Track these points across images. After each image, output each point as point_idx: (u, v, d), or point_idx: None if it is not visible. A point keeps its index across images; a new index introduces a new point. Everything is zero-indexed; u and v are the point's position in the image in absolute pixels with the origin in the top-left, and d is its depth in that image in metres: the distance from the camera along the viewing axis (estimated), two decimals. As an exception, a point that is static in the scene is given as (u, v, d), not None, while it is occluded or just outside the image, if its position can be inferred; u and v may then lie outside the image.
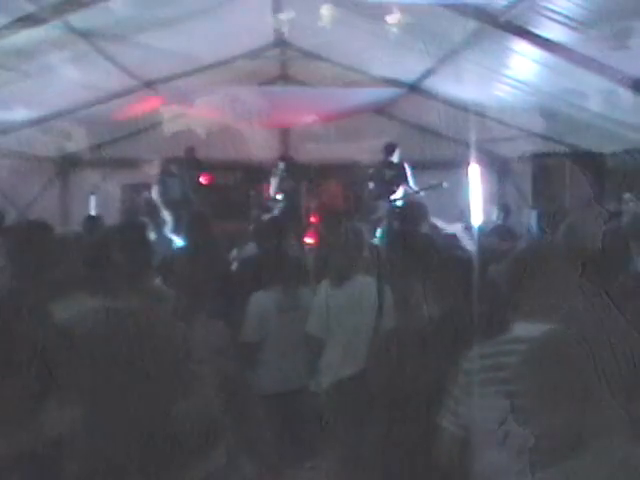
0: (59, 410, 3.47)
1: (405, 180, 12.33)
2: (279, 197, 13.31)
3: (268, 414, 5.48)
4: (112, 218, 11.56)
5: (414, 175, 12.47)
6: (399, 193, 12.20)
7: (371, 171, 12.86)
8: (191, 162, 13.59)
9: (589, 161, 9.66)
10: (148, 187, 13.30)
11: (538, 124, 11.10)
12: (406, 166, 12.40)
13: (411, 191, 12.16)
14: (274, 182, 13.38)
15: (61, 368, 3.42)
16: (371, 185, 12.67)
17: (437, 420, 3.47)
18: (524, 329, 3.24)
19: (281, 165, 13.44)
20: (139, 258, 4.04)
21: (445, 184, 11.54)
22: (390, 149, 12.48)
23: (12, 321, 3.39)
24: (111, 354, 3.46)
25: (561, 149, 11.02)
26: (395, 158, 12.44)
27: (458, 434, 3.39)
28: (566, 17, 6.97)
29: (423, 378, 4.11)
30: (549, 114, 10.13)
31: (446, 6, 7.82)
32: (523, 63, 8.73)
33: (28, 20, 7.53)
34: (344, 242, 6.01)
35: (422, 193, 11.87)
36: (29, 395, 3.40)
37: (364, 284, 5.75)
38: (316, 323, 5.66)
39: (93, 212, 13.27)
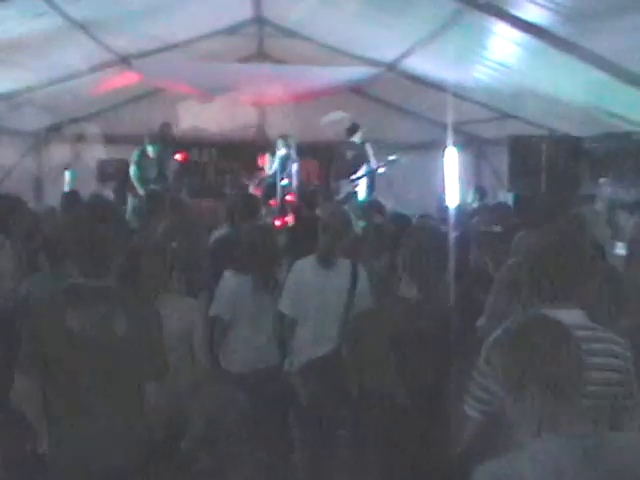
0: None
1: (367, 159, 12.43)
2: (256, 174, 13.33)
3: (239, 392, 5.48)
4: (87, 194, 11.48)
5: (377, 155, 12.54)
6: (360, 172, 12.33)
7: (334, 151, 12.97)
8: (167, 138, 13.48)
9: (566, 144, 9.68)
10: (124, 163, 13.22)
11: (516, 106, 11.13)
12: (368, 146, 12.47)
13: (371, 169, 12.28)
14: (253, 159, 13.32)
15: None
16: (335, 165, 12.81)
17: (460, 407, 3.44)
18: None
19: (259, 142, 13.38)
20: (113, 236, 4.01)
21: (403, 159, 11.65)
22: (352, 129, 12.55)
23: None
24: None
25: (538, 132, 11.05)
26: (357, 138, 12.51)
27: (482, 420, 3.37)
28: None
29: (404, 361, 4.13)
30: (527, 96, 10.14)
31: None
32: (502, 45, 8.71)
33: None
34: (327, 222, 6.00)
35: (381, 170, 12.01)
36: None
37: (339, 265, 5.75)
38: (288, 302, 5.66)
39: (67, 188, 13.16)
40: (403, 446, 4.15)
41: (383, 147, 12.98)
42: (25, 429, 3.83)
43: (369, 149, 12.53)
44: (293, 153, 12.66)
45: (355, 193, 12.08)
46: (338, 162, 12.81)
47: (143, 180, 12.30)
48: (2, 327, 4.56)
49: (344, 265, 5.73)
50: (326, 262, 5.73)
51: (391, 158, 12.15)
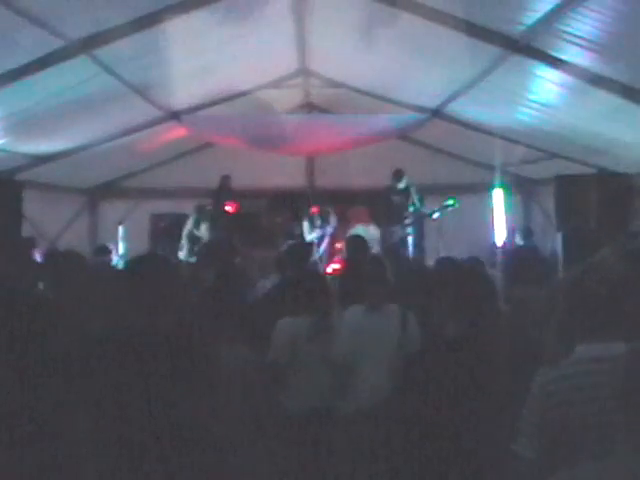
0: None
1: (414, 204, 12.49)
2: (306, 224, 13.52)
3: (294, 436, 5.53)
4: (140, 247, 11.75)
5: (423, 199, 12.62)
6: (412, 218, 12.38)
7: (380, 197, 13.03)
8: (226, 191, 13.71)
9: (615, 182, 9.66)
10: (176, 217, 13.55)
11: (562, 146, 11.15)
12: (413, 191, 12.52)
13: (424, 214, 12.33)
14: (301, 209, 13.51)
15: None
16: (383, 211, 12.88)
17: (511, 446, 3.38)
18: (594, 350, 3.31)
19: (308, 192, 13.58)
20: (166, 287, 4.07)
21: (457, 205, 11.71)
22: (398, 175, 12.61)
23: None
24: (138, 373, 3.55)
25: (586, 170, 11.03)
26: (403, 184, 12.56)
27: (534, 459, 3.32)
28: (584, 39, 7.05)
29: (451, 401, 4.15)
30: (572, 135, 10.17)
31: (467, 32, 7.95)
32: (544, 86, 8.79)
33: (55, 56, 7.75)
34: (372, 270, 6.09)
35: (435, 215, 12.05)
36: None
37: (391, 309, 5.83)
38: (345, 347, 5.74)
39: (121, 243, 13.49)
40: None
41: (433, 192, 13.09)
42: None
43: (414, 194, 12.61)
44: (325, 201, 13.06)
45: (406, 239, 12.10)
46: (386, 208, 12.87)
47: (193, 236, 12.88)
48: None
49: (392, 310, 5.80)
50: (372, 309, 5.83)
51: (446, 203, 12.20)
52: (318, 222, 13.48)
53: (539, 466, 3.28)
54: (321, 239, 13.32)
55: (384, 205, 12.82)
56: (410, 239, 12.08)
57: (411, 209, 12.50)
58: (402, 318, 5.73)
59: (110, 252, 10.59)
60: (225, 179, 13.68)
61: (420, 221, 12.45)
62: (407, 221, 12.44)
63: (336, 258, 12.09)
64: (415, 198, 12.53)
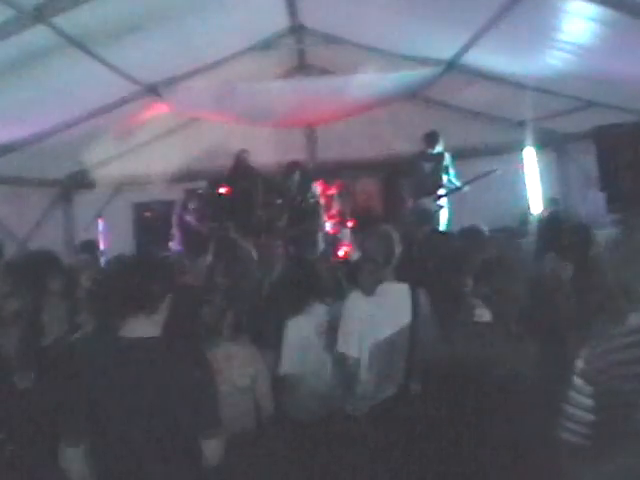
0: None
1: (448, 172, 12.25)
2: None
3: (303, 440, 5.50)
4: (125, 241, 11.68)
5: (457, 165, 12.42)
6: (444, 187, 12.12)
7: (410, 166, 12.74)
8: (243, 169, 13.42)
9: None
10: (162, 204, 13.45)
11: (599, 92, 10.94)
12: (447, 156, 12.28)
13: (458, 183, 12.10)
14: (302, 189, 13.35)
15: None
16: (413, 180, 12.58)
17: (555, 433, 3.36)
18: None
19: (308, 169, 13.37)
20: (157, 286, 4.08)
21: (498, 171, 11.47)
22: (432, 138, 12.30)
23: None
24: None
25: (629, 118, 10.84)
26: (438, 148, 12.29)
27: (582, 444, 3.27)
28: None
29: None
30: (611, 79, 9.95)
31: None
32: (575, 23, 8.58)
33: (9, 26, 7.56)
34: (373, 249, 5.85)
35: (473, 183, 11.83)
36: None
37: (392, 293, 5.62)
38: (347, 340, 5.54)
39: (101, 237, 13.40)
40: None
41: (455, 156, 12.88)
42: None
43: (449, 159, 12.37)
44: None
45: (438, 212, 11.82)
46: (416, 177, 12.56)
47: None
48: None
49: (400, 292, 5.59)
50: (372, 292, 5.60)
51: (485, 171, 11.94)
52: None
53: (592, 453, 3.23)
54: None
55: (414, 174, 12.52)
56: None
57: (445, 177, 12.23)
58: (413, 300, 5.53)
59: (97, 248, 10.52)
60: (242, 153, 13.23)
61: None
62: (440, 192, 12.18)
63: (344, 241, 11.94)
64: (450, 165, 12.28)
